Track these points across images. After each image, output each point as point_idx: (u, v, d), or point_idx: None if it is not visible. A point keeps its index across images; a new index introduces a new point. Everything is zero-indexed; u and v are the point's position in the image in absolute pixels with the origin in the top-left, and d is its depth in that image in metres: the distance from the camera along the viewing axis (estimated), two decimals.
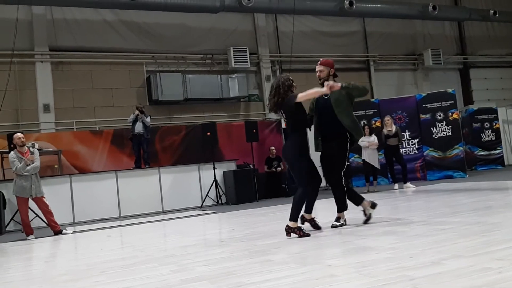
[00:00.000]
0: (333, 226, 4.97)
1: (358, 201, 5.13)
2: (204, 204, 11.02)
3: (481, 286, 2.30)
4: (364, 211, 5.13)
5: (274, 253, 3.79)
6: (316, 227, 4.96)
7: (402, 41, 17.63)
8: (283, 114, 4.80)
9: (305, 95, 4.63)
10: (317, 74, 5.10)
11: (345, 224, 5.04)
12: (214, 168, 11.14)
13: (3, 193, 9.25)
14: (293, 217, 4.59)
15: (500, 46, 19.20)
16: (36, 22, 12.65)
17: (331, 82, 4.69)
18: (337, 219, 5.07)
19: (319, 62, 5.12)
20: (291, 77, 4.82)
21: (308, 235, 4.53)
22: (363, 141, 10.20)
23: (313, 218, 5.00)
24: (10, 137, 9.10)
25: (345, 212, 5.10)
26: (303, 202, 4.74)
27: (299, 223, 4.67)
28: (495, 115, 15.41)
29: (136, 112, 11.06)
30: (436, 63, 17.27)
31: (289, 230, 4.57)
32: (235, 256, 3.87)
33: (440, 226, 4.28)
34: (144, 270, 3.64)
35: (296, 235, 4.51)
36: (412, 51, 17.84)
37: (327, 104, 4.94)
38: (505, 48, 19.35)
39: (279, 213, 7.46)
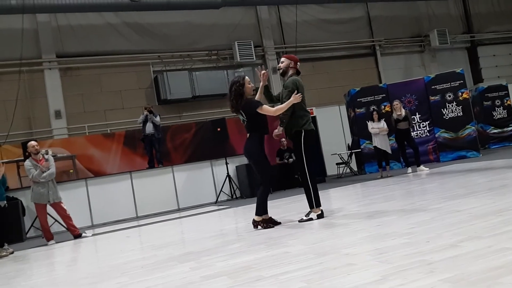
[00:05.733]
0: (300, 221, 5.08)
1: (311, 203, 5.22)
2: (219, 200, 11.10)
3: (500, 267, 2.30)
4: (310, 214, 5.20)
5: (291, 245, 3.82)
6: (276, 223, 5.12)
7: (407, 24, 17.47)
8: (243, 115, 5.07)
9: (267, 111, 4.98)
10: (278, 65, 5.42)
11: (313, 219, 5.06)
12: (227, 163, 11.19)
13: (21, 201, 9.41)
14: (258, 212, 5.05)
15: (507, 22, 18.91)
16: (41, 30, 12.78)
17: (278, 132, 5.23)
18: (307, 214, 5.15)
19: (283, 55, 5.55)
20: (242, 81, 5.05)
21: (272, 226, 5.02)
22: (373, 127, 10.18)
23: (270, 218, 5.13)
24: (24, 145, 9.25)
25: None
26: (266, 197, 5.08)
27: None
28: (506, 91, 15.19)
29: (145, 112, 11.14)
30: (443, 43, 17.09)
31: (255, 224, 5.07)
32: (252, 250, 3.91)
33: (456, 208, 4.27)
34: (165, 269, 3.70)
35: (261, 227, 5.02)
36: (417, 33, 17.67)
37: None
38: None
39: (293, 204, 7.49)
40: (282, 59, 5.32)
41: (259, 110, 4.96)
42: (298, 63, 5.35)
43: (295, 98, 4.96)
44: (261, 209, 5.05)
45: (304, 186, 5.15)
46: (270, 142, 12.92)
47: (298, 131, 5.10)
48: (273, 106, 5.17)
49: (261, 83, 5.28)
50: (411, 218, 4.14)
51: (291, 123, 5.12)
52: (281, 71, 5.29)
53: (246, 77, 5.16)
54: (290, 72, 5.25)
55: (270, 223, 5.08)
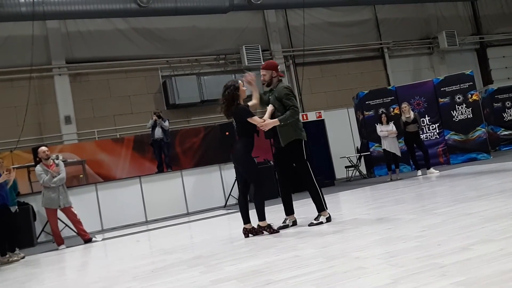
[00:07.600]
0: (309, 225, 5.02)
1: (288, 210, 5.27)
2: (227, 203, 11.10)
3: None
4: (286, 220, 5.25)
5: (301, 249, 3.81)
6: (275, 231, 4.97)
7: (415, 26, 17.39)
8: (234, 120, 5.11)
9: (253, 120, 4.95)
10: (261, 78, 5.28)
11: (324, 223, 5.01)
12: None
13: (32, 206, 9.49)
14: (261, 217, 4.97)
15: None
16: (51, 37, 12.90)
17: (267, 122, 4.98)
18: (317, 217, 5.09)
19: (261, 66, 5.32)
20: (237, 85, 5.00)
21: (278, 231, 4.94)
22: (382, 130, 10.13)
23: (269, 224, 5.02)
24: (35, 151, 9.33)
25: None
26: (263, 200, 5.07)
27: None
28: None
29: (154, 117, 11.21)
30: (452, 45, 16.98)
31: (259, 229, 4.96)
32: (262, 253, 3.90)
33: (467, 211, 4.24)
34: (174, 273, 3.70)
35: (267, 233, 4.92)
36: (426, 35, 17.58)
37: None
38: None
39: (301, 207, 7.47)
40: (263, 72, 5.19)
41: (249, 120, 4.96)
42: (278, 66, 5.30)
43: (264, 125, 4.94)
44: (263, 214, 4.95)
45: (311, 191, 5.11)
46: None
47: (298, 140, 5.06)
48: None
49: (253, 92, 5.18)
50: (422, 221, 4.11)
51: (289, 132, 5.03)
52: (265, 83, 5.22)
53: (240, 81, 5.12)
54: (275, 80, 5.20)
55: (272, 228, 4.96)
